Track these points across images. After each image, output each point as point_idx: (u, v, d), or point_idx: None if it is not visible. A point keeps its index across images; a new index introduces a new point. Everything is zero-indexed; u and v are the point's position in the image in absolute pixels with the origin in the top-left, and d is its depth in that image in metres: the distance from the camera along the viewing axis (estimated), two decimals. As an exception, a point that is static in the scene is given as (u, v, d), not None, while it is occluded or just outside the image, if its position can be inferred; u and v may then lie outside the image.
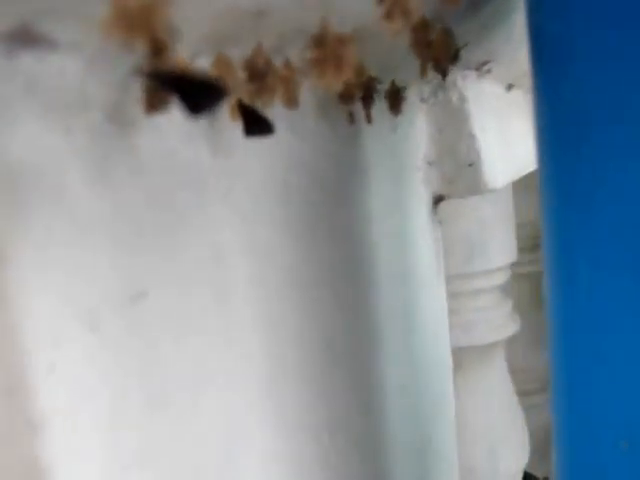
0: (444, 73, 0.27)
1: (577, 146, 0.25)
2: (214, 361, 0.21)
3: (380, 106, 0.35)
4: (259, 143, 0.24)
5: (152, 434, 0.19)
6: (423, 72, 0.26)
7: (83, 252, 0.17)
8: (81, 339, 0.17)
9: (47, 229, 0.17)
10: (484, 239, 0.67)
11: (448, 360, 0.44)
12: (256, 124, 0.21)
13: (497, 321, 0.65)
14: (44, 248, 0.16)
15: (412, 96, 0.40)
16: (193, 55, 0.21)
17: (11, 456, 0.16)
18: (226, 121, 0.22)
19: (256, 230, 0.24)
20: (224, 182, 0.22)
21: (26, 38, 0.16)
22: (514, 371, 0.73)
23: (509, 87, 0.56)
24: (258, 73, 0.20)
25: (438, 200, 0.47)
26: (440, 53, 0.25)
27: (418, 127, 0.43)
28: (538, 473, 0.82)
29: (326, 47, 0.20)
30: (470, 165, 0.45)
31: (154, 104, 0.17)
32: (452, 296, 0.54)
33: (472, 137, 0.46)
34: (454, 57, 0.27)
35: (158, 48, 0.15)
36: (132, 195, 0.19)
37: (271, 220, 0.25)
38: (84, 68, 0.18)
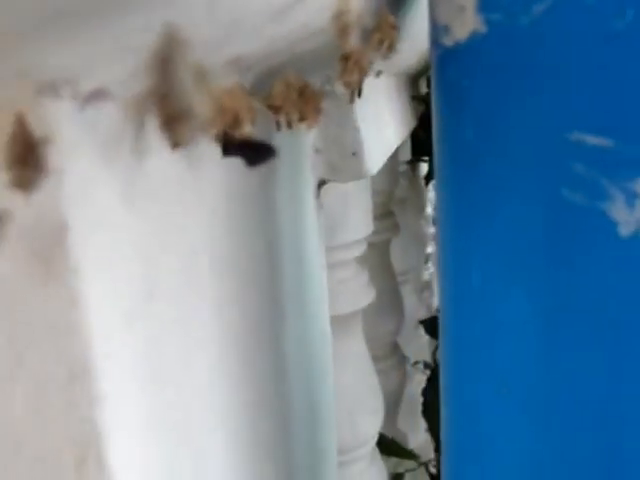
0: (360, 92, 0.35)
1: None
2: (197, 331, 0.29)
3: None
4: (217, 155, 0.31)
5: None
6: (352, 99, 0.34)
7: (121, 258, 0.24)
8: (126, 330, 0.24)
9: (102, 245, 0.23)
10: (345, 213, 0.75)
11: (329, 333, 0.53)
12: (259, 151, 0.28)
13: (355, 291, 0.74)
14: (103, 254, 0.23)
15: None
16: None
17: (74, 424, 0.23)
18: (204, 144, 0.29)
19: (215, 231, 0.31)
20: (198, 192, 0.29)
21: (97, 94, 0.22)
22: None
23: (378, 74, 0.65)
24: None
25: (321, 184, 0.55)
26: (361, 76, 0.33)
27: (309, 117, 0.51)
28: (385, 433, 0.94)
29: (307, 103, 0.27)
30: (353, 154, 0.54)
31: (181, 142, 0.23)
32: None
33: (356, 129, 0.54)
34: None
35: (237, 123, 0.21)
36: (150, 213, 0.26)
37: (227, 221, 0.32)
38: (123, 112, 0.24)
